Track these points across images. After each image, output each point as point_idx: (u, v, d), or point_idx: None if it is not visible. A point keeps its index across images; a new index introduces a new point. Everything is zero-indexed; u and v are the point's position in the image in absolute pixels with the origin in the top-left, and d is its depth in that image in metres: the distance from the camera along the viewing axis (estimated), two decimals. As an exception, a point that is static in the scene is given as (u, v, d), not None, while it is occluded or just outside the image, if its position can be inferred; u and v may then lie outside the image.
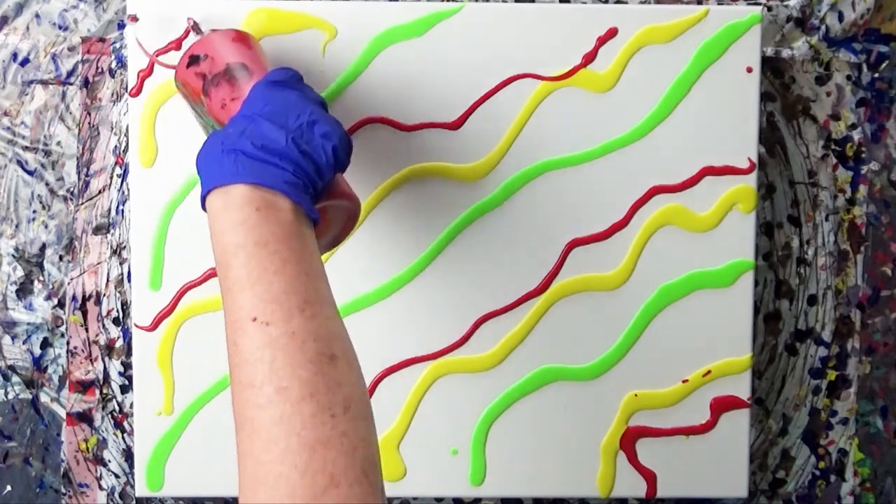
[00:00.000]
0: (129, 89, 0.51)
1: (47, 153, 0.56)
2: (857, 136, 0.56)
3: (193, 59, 0.44)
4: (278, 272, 0.35)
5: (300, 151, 0.38)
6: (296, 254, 0.36)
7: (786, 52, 0.56)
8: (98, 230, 0.56)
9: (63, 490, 0.56)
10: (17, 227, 0.56)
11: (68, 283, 0.56)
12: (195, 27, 0.49)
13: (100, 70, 0.55)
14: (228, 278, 0.35)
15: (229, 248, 0.35)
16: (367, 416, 0.34)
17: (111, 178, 0.56)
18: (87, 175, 0.55)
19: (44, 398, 0.56)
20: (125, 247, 0.55)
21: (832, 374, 0.57)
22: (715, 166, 0.52)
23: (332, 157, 0.39)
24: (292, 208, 0.37)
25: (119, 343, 0.56)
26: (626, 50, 0.51)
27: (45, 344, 0.56)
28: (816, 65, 0.56)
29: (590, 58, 0.51)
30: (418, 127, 0.51)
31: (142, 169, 0.51)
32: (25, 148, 0.56)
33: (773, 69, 0.56)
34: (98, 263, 0.56)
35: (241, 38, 0.45)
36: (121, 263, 0.56)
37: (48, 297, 0.56)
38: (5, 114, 0.56)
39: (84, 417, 0.56)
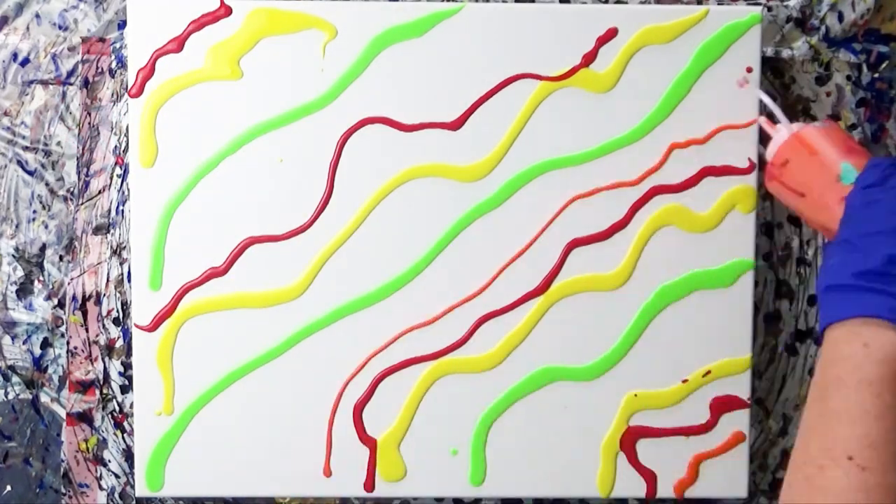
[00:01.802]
0: (128, 89, 0.51)
1: (47, 153, 0.56)
2: (857, 136, 0.56)
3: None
4: (879, 418, 0.34)
5: None
6: None
7: (786, 52, 0.56)
8: (98, 230, 0.56)
9: (63, 490, 0.56)
10: (17, 227, 0.56)
11: (68, 283, 0.56)
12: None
13: (100, 70, 0.55)
14: (827, 408, 0.35)
15: (832, 378, 0.35)
16: None
17: (111, 178, 0.56)
18: (87, 175, 0.56)
19: (44, 398, 0.56)
20: (125, 247, 0.56)
21: (832, 374, 0.57)
22: (715, 166, 0.52)
23: None
24: None
25: (119, 343, 0.56)
26: (626, 50, 0.51)
27: (45, 344, 0.56)
28: (816, 65, 0.56)
29: (590, 58, 0.51)
30: (418, 127, 0.51)
31: (142, 169, 0.51)
32: (25, 148, 0.56)
33: (773, 69, 0.56)
34: (98, 263, 0.56)
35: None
36: (121, 263, 0.56)
37: (48, 297, 0.56)
38: (5, 114, 0.56)
39: (84, 417, 0.56)
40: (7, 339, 0.56)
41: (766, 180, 0.48)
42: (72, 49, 0.55)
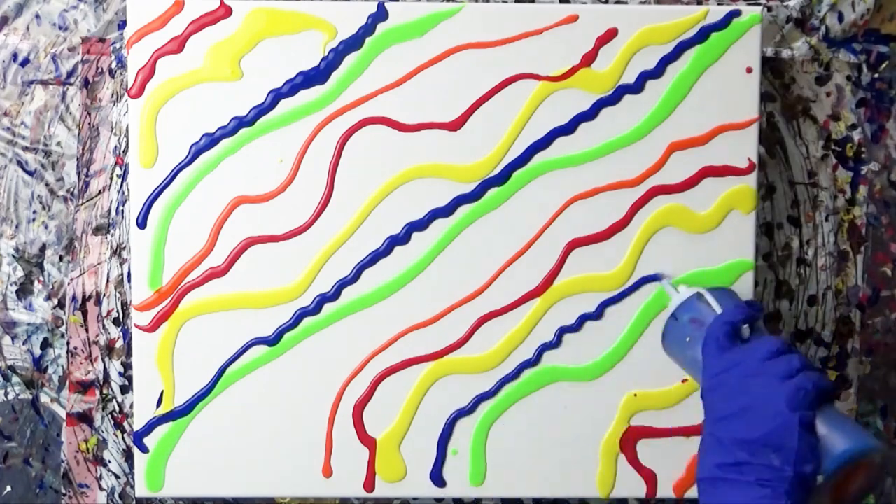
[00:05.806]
0: (128, 89, 0.51)
1: (47, 153, 0.56)
2: (857, 136, 0.56)
3: None
4: None
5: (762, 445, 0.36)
6: None
7: (786, 53, 0.56)
8: (98, 230, 0.56)
9: (63, 490, 0.56)
10: (17, 227, 0.56)
11: (68, 284, 0.56)
12: None
13: (100, 70, 0.55)
14: None
15: None
16: None
17: (111, 178, 0.56)
18: (87, 175, 0.56)
19: (44, 398, 0.56)
20: (125, 247, 0.56)
21: (832, 374, 0.57)
22: (715, 166, 0.52)
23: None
24: None
25: (119, 343, 0.56)
26: (625, 50, 0.51)
27: (45, 344, 0.56)
28: (816, 65, 0.56)
29: (590, 58, 0.51)
30: (418, 127, 0.51)
31: (142, 169, 0.51)
32: (25, 148, 0.56)
33: (773, 69, 0.56)
34: (98, 263, 0.56)
35: None
36: (121, 263, 0.56)
37: (48, 298, 0.56)
38: (5, 114, 0.56)
39: (84, 418, 0.56)
40: (7, 340, 0.56)
41: None
42: (72, 49, 0.55)
